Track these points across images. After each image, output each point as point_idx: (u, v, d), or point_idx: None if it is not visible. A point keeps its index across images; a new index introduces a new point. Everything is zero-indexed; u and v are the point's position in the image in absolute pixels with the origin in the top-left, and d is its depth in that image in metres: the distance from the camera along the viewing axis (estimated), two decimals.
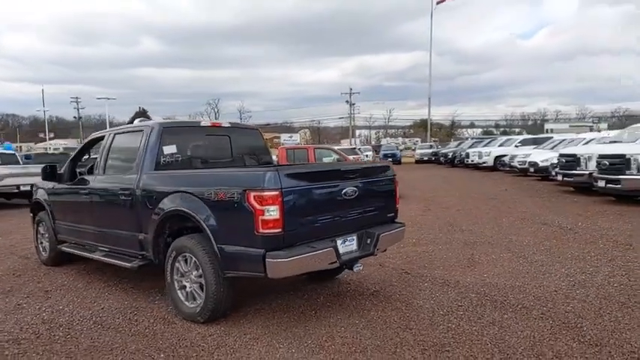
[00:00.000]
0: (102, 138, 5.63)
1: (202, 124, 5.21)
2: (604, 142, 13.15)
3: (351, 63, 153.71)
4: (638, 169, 9.40)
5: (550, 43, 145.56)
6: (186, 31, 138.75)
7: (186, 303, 4.16)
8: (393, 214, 4.67)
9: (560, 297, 4.44)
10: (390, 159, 32.24)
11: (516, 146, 23.72)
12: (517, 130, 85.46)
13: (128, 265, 4.70)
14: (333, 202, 3.95)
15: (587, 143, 15.94)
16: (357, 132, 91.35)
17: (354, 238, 4.16)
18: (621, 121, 79.79)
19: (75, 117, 65.05)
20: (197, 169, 4.80)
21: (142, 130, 4.84)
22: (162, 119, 4.85)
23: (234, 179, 3.82)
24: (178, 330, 3.94)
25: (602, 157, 10.46)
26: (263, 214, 3.48)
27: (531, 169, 17.46)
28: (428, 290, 4.78)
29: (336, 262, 3.85)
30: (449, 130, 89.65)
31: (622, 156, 9.73)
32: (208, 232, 3.81)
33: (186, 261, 4.15)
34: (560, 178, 12.79)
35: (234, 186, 3.68)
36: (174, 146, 4.81)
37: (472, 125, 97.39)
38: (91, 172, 5.93)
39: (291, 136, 64.94)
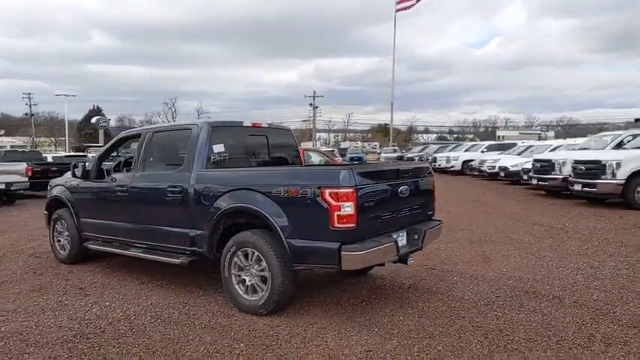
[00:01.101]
0: (134, 136, 5.65)
1: (245, 124, 5.35)
2: (573, 149, 14.12)
3: (309, 65, 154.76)
4: (613, 174, 10.23)
5: (500, 52, 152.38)
6: (139, 26, 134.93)
7: (246, 296, 4.30)
8: (432, 212, 5.00)
9: (581, 288, 4.90)
10: (357, 162, 32.89)
11: (482, 152, 24.83)
12: (470, 136, 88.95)
13: (177, 261, 4.77)
14: (391, 199, 4.23)
15: (553, 150, 17.02)
16: (317, 135, 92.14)
17: (405, 233, 4.45)
18: (565, 129, 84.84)
19: (26, 114, 61.80)
20: (251, 167, 4.94)
21: (189, 129, 4.93)
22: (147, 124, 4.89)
23: (308, 177, 4.02)
24: (243, 322, 4.08)
25: (578, 162, 11.27)
26: (339, 210, 3.70)
27: (502, 174, 18.38)
28: (460, 283, 5.13)
29: (396, 255, 4.12)
30: (406, 135, 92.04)
31: (598, 162, 10.54)
32: (277, 227, 3.99)
33: (246, 255, 4.30)
34: (534, 182, 13.61)
35: (307, 183, 3.88)
36: (222, 145, 4.93)
37: (426, 131, 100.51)
38: (118, 169, 5.95)
39: None
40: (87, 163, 5.76)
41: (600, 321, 3.96)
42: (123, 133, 6.09)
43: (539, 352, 3.40)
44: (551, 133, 73.93)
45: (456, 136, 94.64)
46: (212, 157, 4.81)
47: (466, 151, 26.84)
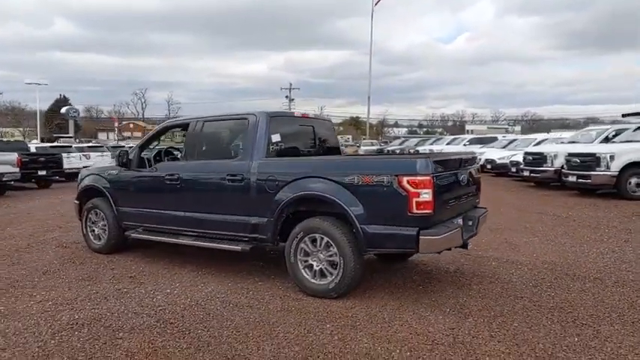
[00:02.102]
0: (180, 126, 5.67)
1: (296, 114, 5.46)
2: (562, 142, 14.78)
3: (280, 57, 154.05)
4: (607, 166, 10.81)
5: (468, 48, 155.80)
6: (104, 14, 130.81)
7: (314, 280, 4.44)
8: (479, 199, 5.25)
9: (614, 270, 5.27)
10: None
11: (465, 145, 25.51)
12: (439, 130, 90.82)
13: (238, 248, 4.87)
14: (455, 187, 4.45)
15: (538, 143, 17.73)
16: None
17: (461, 220, 4.68)
18: (529, 124, 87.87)
19: None
20: (314, 156, 5.07)
21: (245, 119, 5.01)
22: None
23: (384, 165, 4.18)
24: (316, 305, 4.22)
25: (572, 155, 11.84)
26: (418, 197, 3.89)
27: (488, 166, 18.98)
28: (501, 268, 5.42)
29: (461, 241, 4.35)
30: (378, 129, 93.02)
31: (593, 154, 11.11)
32: (351, 213, 4.14)
33: (313, 241, 4.44)
34: (526, 173, 14.19)
35: (383, 171, 4.05)
36: (278, 134, 5.03)
37: (397, 125, 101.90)
38: (159, 158, 5.96)
39: None
40: (130, 153, 5.73)
41: None
42: (167, 123, 6.08)
43: (608, 327, 3.69)
44: (518, 128, 76.29)
45: (425, 130, 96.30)
46: (270, 147, 4.91)
47: (448, 144, 27.51)
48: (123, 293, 4.67)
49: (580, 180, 11.41)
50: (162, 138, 6.36)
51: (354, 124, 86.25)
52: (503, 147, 20.68)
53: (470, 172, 4.83)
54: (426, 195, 3.90)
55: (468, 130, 69.08)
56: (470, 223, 4.75)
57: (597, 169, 10.95)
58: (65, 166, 17.12)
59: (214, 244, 5.08)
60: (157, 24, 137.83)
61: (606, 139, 13.10)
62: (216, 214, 5.05)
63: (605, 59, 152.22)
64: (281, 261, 4.76)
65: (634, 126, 12.62)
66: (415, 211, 3.91)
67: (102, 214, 6.15)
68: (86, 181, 6.38)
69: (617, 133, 13.62)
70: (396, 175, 3.96)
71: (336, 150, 6.04)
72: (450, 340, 3.47)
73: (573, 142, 14.05)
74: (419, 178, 3.90)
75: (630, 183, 10.80)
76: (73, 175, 14.37)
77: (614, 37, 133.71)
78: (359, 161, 4.54)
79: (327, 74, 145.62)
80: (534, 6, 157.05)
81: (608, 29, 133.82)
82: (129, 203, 5.84)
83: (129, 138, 70.06)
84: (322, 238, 4.38)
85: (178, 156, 6.05)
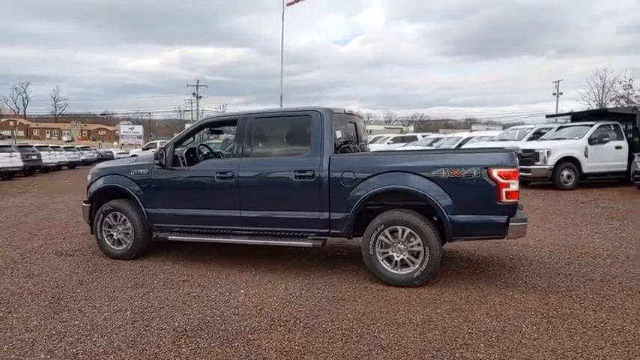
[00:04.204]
0: (224, 123, 5.48)
1: (346, 111, 5.55)
2: (492, 140, 16.36)
3: (174, 52, 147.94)
4: (544, 161, 12.27)
5: (362, 50, 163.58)
6: None
7: (394, 270, 4.63)
8: None
9: (616, 248, 6.14)
10: None
11: (388, 143, 26.93)
12: None
13: (309, 244, 4.87)
14: None
15: (462, 143, 19.34)
16: (187, 126, 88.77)
17: None
18: (418, 124, 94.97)
19: None
20: (392, 151, 5.19)
21: (307, 115, 5.01)
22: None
23: (474, 159, 4.47)
24: (406, 294, 4.40)
25: None
26: (507, 187, 4.27)
27: None
28: (524, 251, 6.04)
29: None
30: None
31: (532, 150, 12.52)
32: (439, 205, 4.41)
33: (392, 233, 4.62)
34: None
35: (472, 164, 4.37)
36: (339, 130, 5.12)
37: None
38: (192, 157, 5.71)
39: (132, 128, 59.95)
40: (167, 151, 5.37)
41: None
42: (205, 120, 5.77)
43: None
44: (412, 128, 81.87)
45: None
46: (335, 142, 4.99)
47: (372, 142, 28.80)
48: (198, 298, 4.44)
49: (522, 173, 12.74)
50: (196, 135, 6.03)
51: None
52: (429, 145, 22.20)
53: None
54: (514, 185, 4.31)
55: (367, 130, 72.34)
56: None
57: (536, 163, 12.38)
58: None
59: (280, 242, 5.02)
60: (36, 11, 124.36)
61: (532, 138, 14.83)
62: (281, 211, 4.99)
63: (481, 65, 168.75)
64: (325, 254, 4.84)
65: (557, 126, 14.42)
66: (505, 200, 4.29)
67: (124, 217, 5.69)
68: (103, 182, 5.84)
69: (537, 132, 15.48)
70: (486, 168, 4.30)
71: (366, 145, 6.24)
72: (559, 312, 3.90)
73: (503, 140, 15.64)
74: (508, 170, 4.29)
75: (562, 175, 12.38)
76: None
77: (488, 46, 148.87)
78: (446, 155, 4.80)
79: (223, 72, 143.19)
80: (421, 13, 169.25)
81: (483, 39, 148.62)
82: (164, 204, 5.48)
83: (9, 137, 62.64)
84: (404, 230, 4.57)
85: (204, 153, 5.81)
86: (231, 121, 5.39)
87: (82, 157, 30.76)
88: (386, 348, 3.31)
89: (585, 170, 12.50)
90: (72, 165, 28.43)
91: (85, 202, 6.05)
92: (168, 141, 5.63)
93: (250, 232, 5.19)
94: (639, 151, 12.45)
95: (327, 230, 4.86)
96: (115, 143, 65.57)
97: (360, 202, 4.66)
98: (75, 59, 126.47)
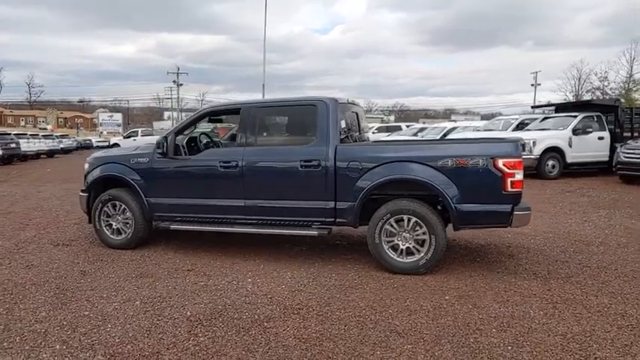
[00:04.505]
0: (226, 112, 5.45)
1: (349, 100, 5.56)
2: (478, 130, 16.60)
3: (150, 39, 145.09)
4: (530, 151, 12.51)
5: (343, 39, 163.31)
6: None
7: (399, 259, 4.70)
8: None
9: (606, 235, 6.34)
10: None
11: (373, 133, 27.04)
12: None
13: (315, 233, 4.90)
14: None
15: (448, 132, 19.56)
16: (166, 114, 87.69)
17: None
18: (398, 114, 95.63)
19: None
20: (391, 141, 5.22)
21: (313, 105, 5.00)
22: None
23: (479, 149, 4.54)
24: (413, 281, 4.48)
25: None
26: (513, 177, 4.37)
27: None
28: (519, 239, 6.18)
29: None
30: None
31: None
32: (445, 194, 4.48)
33: (398, 222, 4.69)
34: None
35: (478, 154, 4.44)
36: (344, 120, 5.14)
37: None
38: (192, 146, 5.67)
39: (111, 116, 58.63)
40: (168, 140, 5.30)
41: None
42: (208, 108, 5.69)
43: None
44: (392, 117, 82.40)
45: None
46: (340, 132, 5.01)
47: None
48: (206, 287, 4.44)
49: None
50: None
51: (237, 112, 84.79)
52: (414, 134, 22.38)
53: None
54: (519, 175, 4.40)
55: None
56: None
57: (522, 153, 12.59)
58: None
59: (286, 231, 5.04)
60: None
61: (518, 127, 15.09)
62: (286, 200, 5.00)
63: (460, 56, 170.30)
64: (325, 244, 4.89)
65: (541, 117, 14.69)
66: (509, 189, 4.38)
67: (123, 206, 5.62)
68: (100, 171, 5.74)
69: (521, 123, 15.77)
70: (492, 158, 4.39)
71: (365, 134, 6.27)
72: (562, 298, 4.03)
73: (489, 130, 15.88)
74: (514, 160, 4.38)
75: (547, 165, 12.66)
76: None
77: (466, 36, 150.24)
78: (452, 145, 4.86)
79: (202, 59, 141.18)
80: (402, 1, 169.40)
81: (462, 29, 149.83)
82: (166, 193, 5.43)
83: None
84: (410, 219, 4.64)
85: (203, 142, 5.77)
86: (234, 110, 5.35)
87: (61, 146, 30.05)
88: (402, 334, 3.38)
89: (569, 160, 12.80)
90: (51, 153, 27.75)
91: (82, 191, 5.95)
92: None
93: (254, 222, 5.19)
94: (621, 141, 12.82)
95: (333, 219, 4.90)
96: (94, 131, 64.21)
97: (366, 191, 4.70)
98: (49, 45, 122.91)
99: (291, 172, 4.94)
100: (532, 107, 16.24)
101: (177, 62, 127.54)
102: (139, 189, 5.50)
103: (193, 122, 5.64)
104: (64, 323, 3.64)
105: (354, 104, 5.74)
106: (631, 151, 11.49)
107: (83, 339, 3.37)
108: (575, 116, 13.35)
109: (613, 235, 6.38)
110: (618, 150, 11.90)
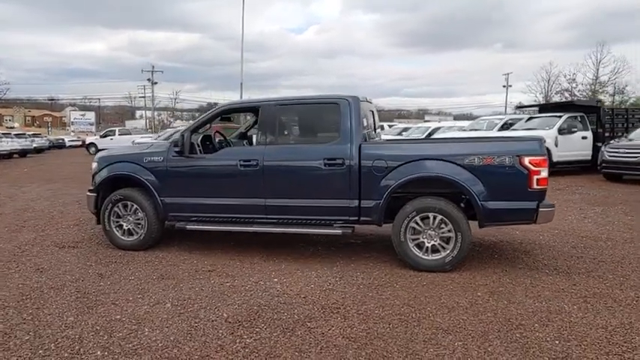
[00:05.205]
0: (244, 109, 5.35)
1: (367, 99, 5.54)
2: (464, 129, 16.86)
3: (122, 37, 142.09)
4: None
5: (317, 40, 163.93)
6: None
7: (425, 256, 4.72)
8: None
9: (612, 231, 6.52)
10: None
11: None
12: None
13: (339, 232, 4.88)
14: None
15: (432, 132, 19.83)
16: (138, 113, 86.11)
17: None
18: None
19: None
20: (420, 140, 5.21)
21: (335, 103, 4.98)
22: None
23: (506, 147, 4.59)
24: (442, 278, 4.50)
25: None
26: (538, 174, 4.44)
27: None
28: (529, 235, 6.30)
29: None
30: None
31: None
32: (472, 191, 4.52)
33: (423, 220, 4.71)
34: None
35: (504, 152, 4.50)
36: (365, 118, 5.13)
37: None
38: (207, 144, 5.56)
39: (83, 115, 57.06)
40: (185, 138, 5.17)
41: None
42: (226, 106, 5.56)
43: None
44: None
45: None
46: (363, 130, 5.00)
47: None
48: (233, 288, 4.36)
49: None
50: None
51: None
52: (398, 134, 22.58)
53: None
54: (544, 172, 4.48)
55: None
56: None
57: None
58: None
59: (310, 229, 4.99)
60: None
61: (502, 128, 15.41)
62: (308, 199, 4.95)
63: (433, 57, 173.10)
64: (340, 243, 4.89)
65: (526, 117, 15.03)
66: (535, 186, 4.46)
67: (135, 206, 5.46)
68: (109, 170, 5.56)
69: (506, 123, 16.11)
70: (518, 156, 4.45)
71: (378, 132, 6.28)
72: (590, 292, 4.12)
73: (475, 130, 16.15)
74: (539, 157, 4.46)
75: None
76: None
77: (438, 38, 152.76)
78: (477, 144, 4.90)
79: (176, 58, 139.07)
80: (375, 3, 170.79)
81: (434, 31, 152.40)
82: (182, 193, 5.30)
83: None
84: (435, 217, 4.67)
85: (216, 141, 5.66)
86: (253, 108, 5.27)
87: (34, 145, 29.02)
88: (448, 331, 3.39)
89: (555, 159, 13.10)
90: (23, 153, 26.80)
91: (90, 190, 5.75)
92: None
93: (274, 221, 5.12)
94: (603, 141, 13.24)
95: (357, 218, 4.88)
96: (64, 130, 62.30)
97: (391, 189, 4.70)
98: (13, 42, 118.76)
99: (314, 170, 4.90)
100: (516, 107, 16.65)
101: (150, 60, 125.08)
102: (152, 189, 5.36)
103: (209, 120, 5.51)
104: (98, 328, 3.50)
105: (369, 102, 5.73)
106: (615, 150, 11.88)
107: (124, 344, 3.25)
108: (560, 116, 13.70)
109: (615, 230, 6.57)
110: (603, 149, 12.28)
